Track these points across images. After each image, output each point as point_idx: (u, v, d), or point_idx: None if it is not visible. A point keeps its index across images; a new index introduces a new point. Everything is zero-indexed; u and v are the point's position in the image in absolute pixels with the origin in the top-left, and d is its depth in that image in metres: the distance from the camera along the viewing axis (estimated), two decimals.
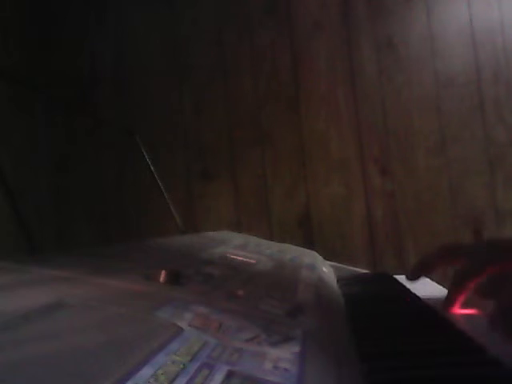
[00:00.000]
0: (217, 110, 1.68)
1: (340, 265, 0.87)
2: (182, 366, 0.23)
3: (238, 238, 0.84)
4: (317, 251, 0.92)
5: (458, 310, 0.50)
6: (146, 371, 0.21)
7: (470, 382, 0.32)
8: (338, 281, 0.72)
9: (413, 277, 0.58)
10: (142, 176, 0.95)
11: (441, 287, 0.67)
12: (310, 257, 0.82)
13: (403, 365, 0.35)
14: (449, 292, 0.50)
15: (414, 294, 0.60)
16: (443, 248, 0.56)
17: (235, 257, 0.62)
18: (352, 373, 0.33)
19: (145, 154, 0.90)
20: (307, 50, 1.64)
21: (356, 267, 0.90)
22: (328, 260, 0.89)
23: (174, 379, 0.21)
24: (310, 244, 1.53)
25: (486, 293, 0.44)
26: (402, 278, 0.71)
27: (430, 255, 0.57)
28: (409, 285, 0.63)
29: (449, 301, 0.50)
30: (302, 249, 0.91)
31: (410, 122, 1.58)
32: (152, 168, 0.90)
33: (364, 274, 0.88)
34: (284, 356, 0.28)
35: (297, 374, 0.26)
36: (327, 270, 0.78)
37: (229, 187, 1.65)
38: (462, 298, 0.49)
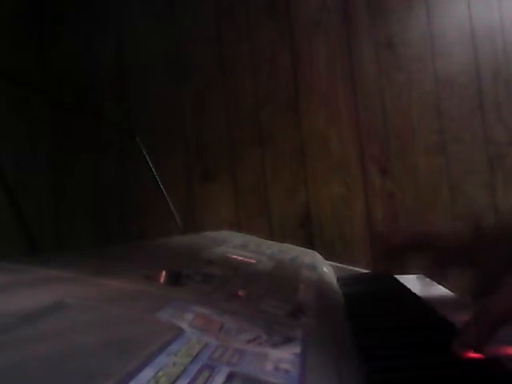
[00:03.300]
0: (217, 110, 1.67)
1: (340, 265, 0.87)
2: (182, 367, 0.23)
3: (238, 238, 0.84)
4: (317, 251, 0.92)
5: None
6: (147, 373, 0.21)
7: (469, 381, 0.32)
8: (338, 281, 0.72)
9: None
10: (142, 176, 0.95)
11: (441, 287, 0.67)
12: (311, 257, 0.82)
13: (403, 365, 0.35)
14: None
15: (414, 294, 0.60)
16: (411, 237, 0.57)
17: (235, 257, 0.62)
18: (352, 373, 0.33)
19: (145, 153, 0.89)
20: (307, 50, 1.64)
21: (356, 267, 0.90)
22: (328, 260, 0.89)
23: (174, 381, 0.21)
24: (310, 244, 1.52)
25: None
26: (401, 278, 0.71)
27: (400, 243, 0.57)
28: (409, 285, 0.63)
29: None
30: (302, 249, 0.91)
31: (410, 122, 1.58)
32: (152, 168, 0.90)
33: (364, 273, 0.87)
34: (285, 357, 0.28)
35: (297, 375, 0.26)
36: (327, 269, 0.77)
37: (229, 187, 1.65)
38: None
